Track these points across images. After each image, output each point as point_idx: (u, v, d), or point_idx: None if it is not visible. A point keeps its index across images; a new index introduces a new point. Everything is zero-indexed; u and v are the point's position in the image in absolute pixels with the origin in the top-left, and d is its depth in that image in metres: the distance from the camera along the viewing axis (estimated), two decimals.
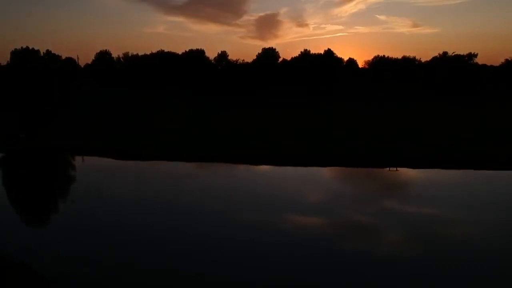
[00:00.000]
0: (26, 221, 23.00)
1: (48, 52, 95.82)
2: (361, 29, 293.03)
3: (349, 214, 22.34)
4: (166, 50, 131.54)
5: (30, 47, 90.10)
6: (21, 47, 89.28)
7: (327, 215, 21.89)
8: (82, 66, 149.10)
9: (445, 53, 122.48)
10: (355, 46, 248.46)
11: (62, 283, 14.56)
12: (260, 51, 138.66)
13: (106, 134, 45.58)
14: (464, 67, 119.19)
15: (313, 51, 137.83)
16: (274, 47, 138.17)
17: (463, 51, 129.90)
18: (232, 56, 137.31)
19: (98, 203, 24.32)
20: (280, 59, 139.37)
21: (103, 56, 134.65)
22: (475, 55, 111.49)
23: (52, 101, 68.44)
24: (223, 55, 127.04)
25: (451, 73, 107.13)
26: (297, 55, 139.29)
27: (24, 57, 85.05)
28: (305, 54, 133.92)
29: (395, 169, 32.13)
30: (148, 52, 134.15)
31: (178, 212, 22.64)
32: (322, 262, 16.30)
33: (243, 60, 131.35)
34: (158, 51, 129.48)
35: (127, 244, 18.10)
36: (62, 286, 14.42)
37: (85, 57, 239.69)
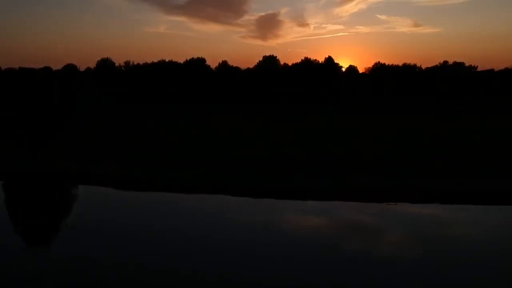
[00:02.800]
0: None
1: (46, 67, 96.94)
2: (362, 29, 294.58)
3: None
4: (167, 59, 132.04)
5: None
6: (19, 67, 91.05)
7: None
8: (84, 69, 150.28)
9: (445, 62, 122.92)
10: (356, 46, 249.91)
11: None
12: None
13: (107, 150, 45.83)
14: (464, 73, 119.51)
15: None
16: (274, 55, 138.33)
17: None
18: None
19: None
20: (282, 63, 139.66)
21: (105, 63, 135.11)
22: (475, 67, 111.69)
23: (51, 103, 67.96)
24: (224, 64, 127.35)
25: (451, 82, 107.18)
26: (298, 61, 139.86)
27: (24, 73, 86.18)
28: (306, 61, 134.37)
29: (394, 203, 32.29)
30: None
31: None
32: None
33: (245, 67, 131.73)
34: (159, 60, 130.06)
35: None
36: None
37: (85, 56, 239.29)
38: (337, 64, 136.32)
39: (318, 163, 41.03)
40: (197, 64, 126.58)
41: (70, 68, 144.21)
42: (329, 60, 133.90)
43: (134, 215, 29.21)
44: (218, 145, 50.08)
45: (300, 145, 49.39)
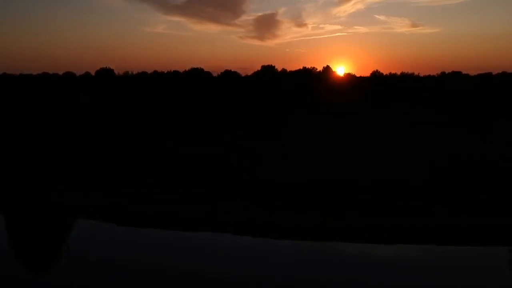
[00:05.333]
0: None
1: (44, 73, 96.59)
2: (360, 29, 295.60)
3: None
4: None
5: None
6: (19, 73, 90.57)
7: None
8: (83, 73, 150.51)
9: (443, 72, 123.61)
10: (354, 46, 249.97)
11: None
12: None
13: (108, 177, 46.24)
14: (462, 82, 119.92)
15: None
16: (273, 64, 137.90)
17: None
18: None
19: None
20: (280, 69, 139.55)
21: (104, 72, 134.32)
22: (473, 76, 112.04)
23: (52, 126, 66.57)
24: (226, 74, 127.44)
25: (450, 94, 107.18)
26: (298, 68, 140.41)
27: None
28: (305, 71, 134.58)
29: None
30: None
31: None
32: None
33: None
34: (160, 71, 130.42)
35: None
36: None
37: (84, 55, 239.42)
38: (336, 74, 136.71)
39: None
40: (197, 74, 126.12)
41: (69, 77, 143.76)
42: (328, 69, 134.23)
43: None
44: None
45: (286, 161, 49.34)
